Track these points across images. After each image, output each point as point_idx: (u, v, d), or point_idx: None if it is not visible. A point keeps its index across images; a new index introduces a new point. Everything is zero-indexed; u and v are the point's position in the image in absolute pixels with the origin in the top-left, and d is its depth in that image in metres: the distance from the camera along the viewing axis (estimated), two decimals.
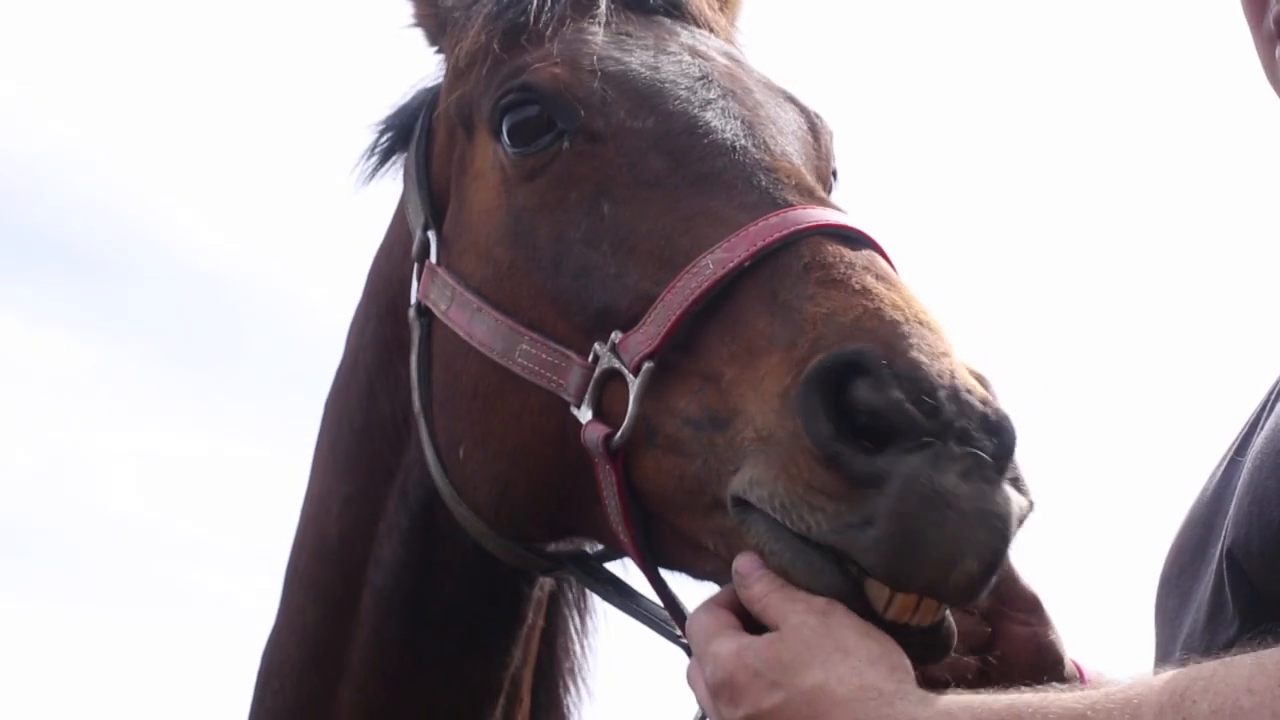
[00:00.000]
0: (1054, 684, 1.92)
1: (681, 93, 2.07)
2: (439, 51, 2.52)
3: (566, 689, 2.63)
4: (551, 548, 2.21)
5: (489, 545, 2.21)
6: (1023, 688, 1.60)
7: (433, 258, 2.26)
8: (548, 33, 2.19)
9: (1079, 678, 2.13)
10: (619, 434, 1.81)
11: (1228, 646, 1.78)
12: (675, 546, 1.86)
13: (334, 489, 2.46)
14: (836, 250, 1.77)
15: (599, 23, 2.19)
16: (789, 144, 2.05)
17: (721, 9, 2.50)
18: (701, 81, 2.10)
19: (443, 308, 2.18)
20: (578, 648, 2.64)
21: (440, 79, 2.49)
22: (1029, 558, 2.03)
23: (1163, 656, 2.00)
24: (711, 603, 1.72)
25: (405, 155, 2.53)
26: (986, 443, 1.55)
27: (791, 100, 2.23)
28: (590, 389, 1.87)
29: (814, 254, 1.76)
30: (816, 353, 1.62)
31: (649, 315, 1.82)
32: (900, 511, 1.52)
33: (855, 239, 1.81)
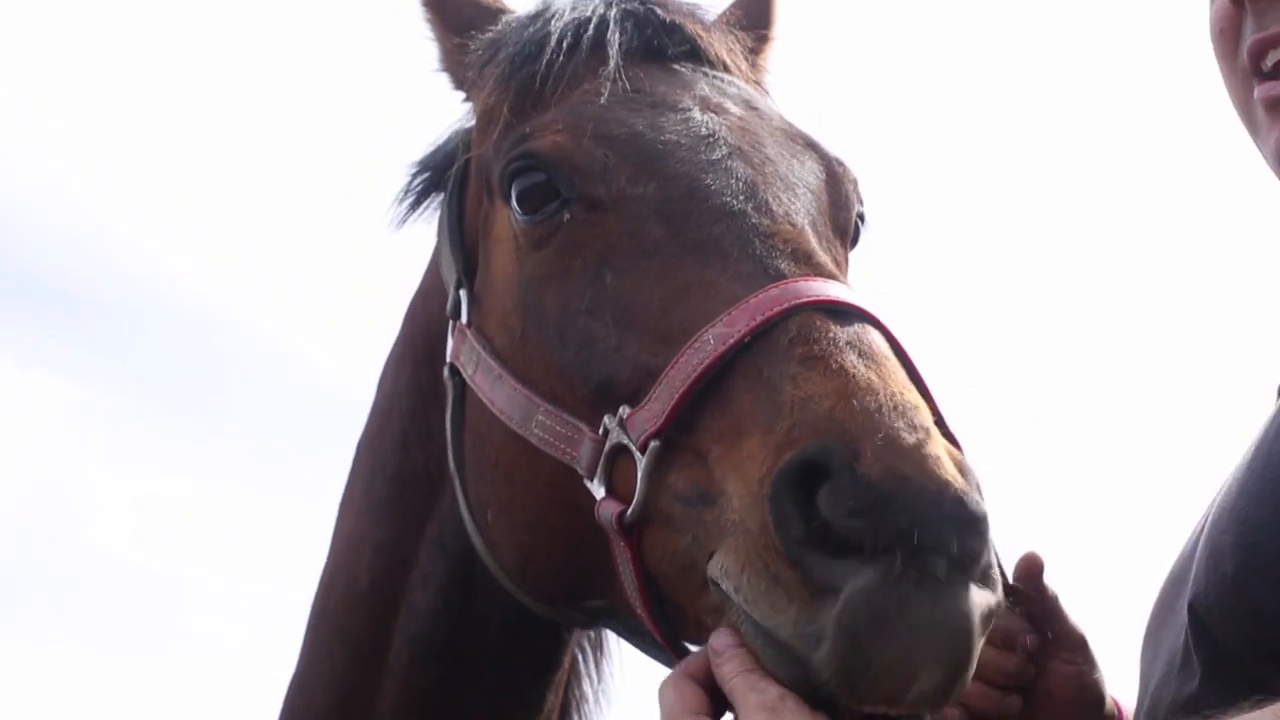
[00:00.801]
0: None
1: (684, 154, 2.03)
2: (466, 99, 2.51)
3: None
4: (586, 604, 2.18)
5: (524, 601, 2.21)
6: None
7: (463, 317, 2.26)
8: (556, 95, 2.17)
9: (1117, 711, 2.15)
10: (630, 511, 1.80)
11: (1191, 700, 1.81)
12: (684, 623, 1.85)
13: (366, 535, 2.46)
14: (824, 326, 1.74)
15: (608, 80, 2.16)
16: (795, 203, 2.02)
17: (746, 50, 2.44)
18: (706, 140, 2.06)
19: (469, 372, 2.18)
20: (590, 692, 2.63)
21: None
22: (1074, 597, 2.12)
23: (1138, 708, 2.02)
24: (682, 674, 1.74)
25: (440, 198, 2.53)
26: (953, 543, 1.52)
27: (811, 147, 2.19)
28: (601, 463, 1.87)
29: (800, 330, 1.74)
30: (790, 444, 1.61)
31: (653, 392, 1.80)
32: (849, 626, 1.51)
33: (847, 313, 1.78)
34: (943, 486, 1.54)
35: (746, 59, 2.44)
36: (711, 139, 2.07)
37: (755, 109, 2.22)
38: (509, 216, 2.15)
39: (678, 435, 1.78)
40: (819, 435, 1.59)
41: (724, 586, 1.65)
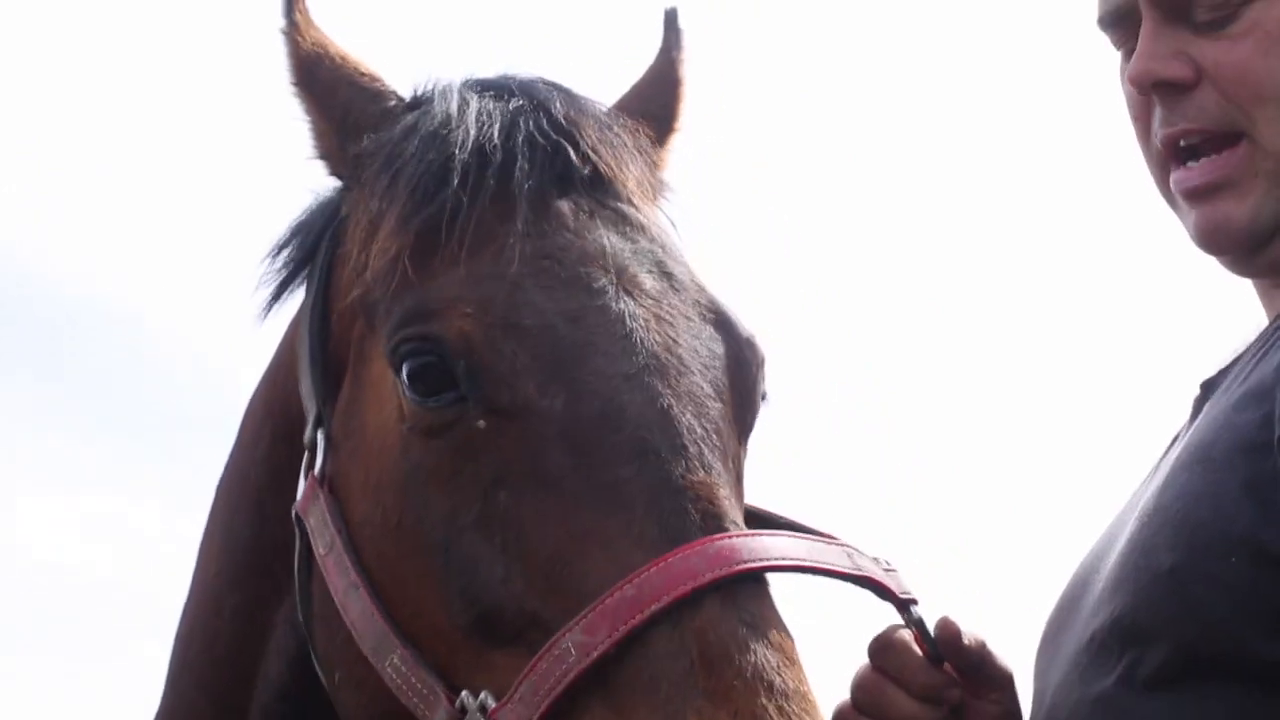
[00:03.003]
0: None
1: (598, 363, 1.89)
2: (347, 188, 2.28)
3: None
4: None
5: None
6: None
7: (316, 467, 2.09)
8: (461, 248, 1.97)
9: None
10: None
11: (1102, 699, 1.82)
12: None
13: (223, 596, 2.36)
14: (723, 638, 1.66)
15: (518, 240, 1.97)
16: (708, 437, 1.90)
17: (651, 166, 2.31)
18: (623, 343, 1.91)
19: (321, 552, 2.03)
20: None
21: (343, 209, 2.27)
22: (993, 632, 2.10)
23: (1036, 712, 2.03)
24: None
25: (305, 282, 2.34)
26: None
27: (722, 326, 2.06)
28: None
29: (700, 645, 1.66)
30: None
31: (516, 690, 1.74)
32: None
33: (743, 588, 1.73)
34: None
35: (653, 181, 2.29)
36: (627, 340, 1.92)
37: (668, 275, 2.08)
38: (395, 383, 1.97)
39: None
40: None
41: None
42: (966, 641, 2.02)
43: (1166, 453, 2.07)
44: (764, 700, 1.61)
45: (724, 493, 1.85)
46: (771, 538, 1.80)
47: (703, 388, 1.95)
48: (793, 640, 1.72)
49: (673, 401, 1.89)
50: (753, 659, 1.64)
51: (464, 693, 1.81)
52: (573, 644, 1.71)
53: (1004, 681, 2.10)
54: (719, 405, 1.97)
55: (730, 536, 1.77)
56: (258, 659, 2.29)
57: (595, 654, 1.69)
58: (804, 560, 1.77)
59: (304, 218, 2.40)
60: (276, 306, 2.41)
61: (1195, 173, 2.01)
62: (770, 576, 1.80)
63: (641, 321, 1.95)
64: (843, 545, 1.87)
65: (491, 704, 1.77)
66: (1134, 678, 1.79)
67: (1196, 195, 2.01)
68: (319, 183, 2.39)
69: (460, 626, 1.83)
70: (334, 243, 2.28)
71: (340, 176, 2.31)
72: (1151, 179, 2.13)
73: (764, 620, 1.71)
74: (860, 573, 1.82)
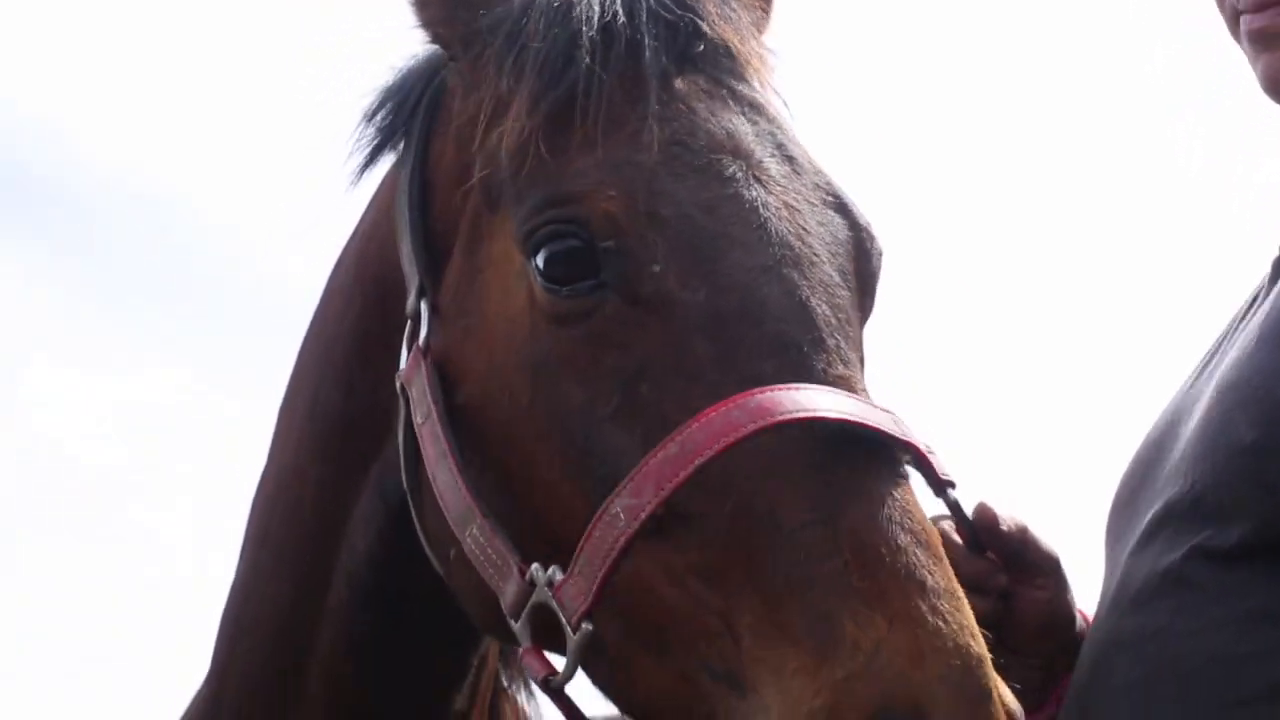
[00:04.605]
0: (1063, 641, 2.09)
1: (736, 256, 1.86)
2: (453, 59, 2.21)
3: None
4: None
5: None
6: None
7: (420, 338, 2.07)
8: (595, 129, 1.93)
9: (1087, 628, 2.18)
10: (559, 679, 1.82)
11: (1170, 571, 1.86)
12: None
13: (307, 468, 2.35)
14: (878, 536, 1.66)
15: (651, 122, 1.94)
16: (841, 328, 1.89)
17: (760, 41, 2.24)
18: (758, 235, 1.89)
19: (418, 420, 2.03)
20: None
21: (445, 72, 2.22)
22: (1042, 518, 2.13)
23: (1109, 568, 2.06)
24: None
25: (404, 142, 2.28)
26: None
27: (843, 211, 2.04)
28: (526, 614, 1.84)
29: (854, 543, 1.65)
30: (854, 699, 1.56)
31: (575, 562, 1.77)
32: None
33: (891, 472, 1.75)
34: None
35: (768, 59, 2.23)
36: (763, 231, 1.90)
37: (790, 159, 2.05)
38: (526, 267, 1.94)
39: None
40: (888, 700, 1.55)
41: None
42: (1005, 527, 2.06)
43: (1245, 316, 2.08)
44: (917, 598, 1.62)
45: (861, 386, 1.86)
46: (821, 392, 1.77)
47: (833, 277, 1.94)
48: (938, 537, 1.73)
49: (809, 293, 1.87)
50: (904, 558, 1.65)
51: (534, 565, 1.83)
52: (621, 509, 1.73)
53: (1049, 566, 2.12)
54: (847, 294, 1.96)
55: (775, 389, 1.75)
56: (342, 529, 2.29)
57: (644, 515, 1.71)
58: (851, 415, 1.75)
59: (396, 85, 2.34)
60: (368, 172, 2.37)
61: (1262, 17, 2.08)
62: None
63: (774, 210, 1.93)
64: (889, 411, 1.85)
65: (559, 578, 1.79)
66: (1208, 552, 1.80)
67: (1261, 39, 2.08)
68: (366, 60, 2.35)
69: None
70: (432, 113, 2.23)
71: (446, 46, 2.23)
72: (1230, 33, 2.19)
73: (911, 515, 1.71)
74: (907, 438, 1.80)
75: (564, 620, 1.77)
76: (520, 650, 1.86)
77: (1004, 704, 1.61)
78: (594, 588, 1.74)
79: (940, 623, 1.60)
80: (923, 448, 1.84)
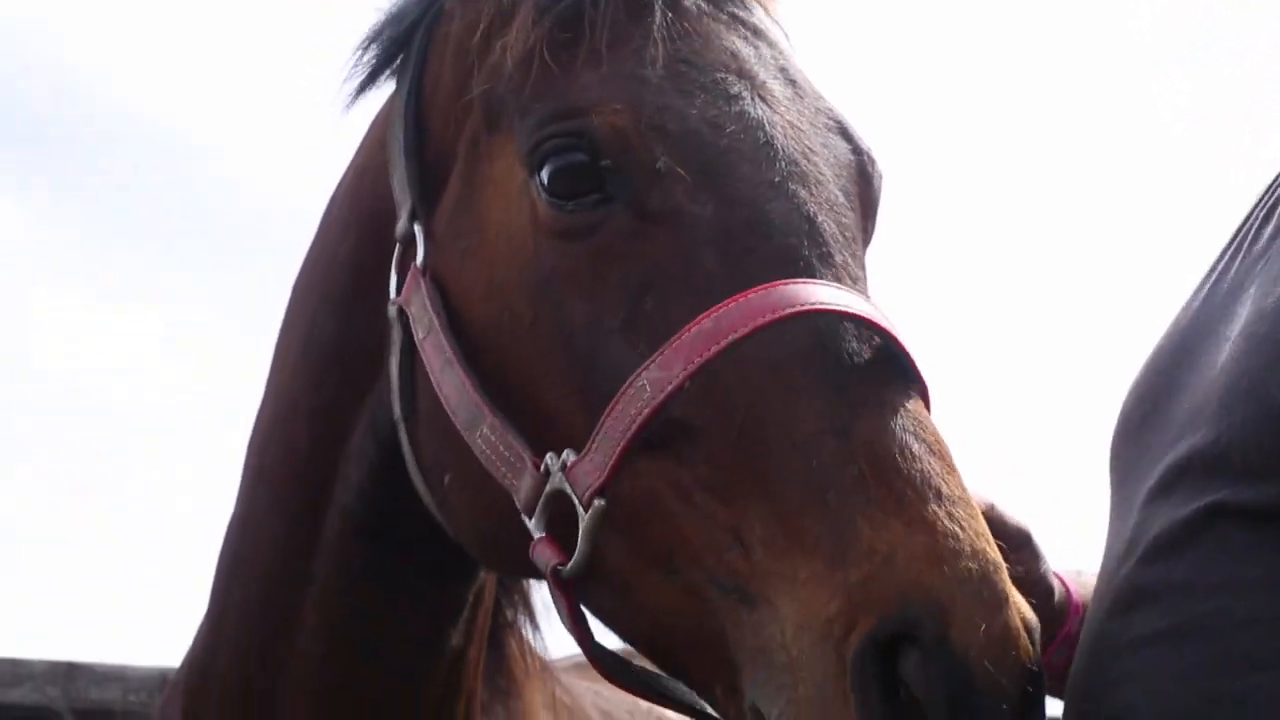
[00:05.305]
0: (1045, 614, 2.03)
1: (744, 170, 1.85)
2: None
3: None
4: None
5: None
6: None
7: (418, 258, 2.06)
8: (601, 42, 1.92)
9: (1066, 596, 2.19)
10: (569, 566, 1.78)
11: (1194, 522, 1.80)
12: (679, 676, 1.83)
13: (301, 398, 2.34)
14: (893, 445, 1.64)
15: (656, 39, 1.92)
16: (845, 243, 1.88)
17: None
18: (764, 150, 1.88)
19: (420, 335, 2.02)
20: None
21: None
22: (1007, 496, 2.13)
23: (1121, 508, 2.01)
24: None
25: (399, 69, 2.27)
26: (1007, 711, 1.54)
27: (845, 135, 2.04)
28: (541, 504, 1.81)
29: (869, 452, 1.63)
30: (869, 602, 1.54)
31: (593, 440, 1.74)
32: None
33: (912, 375, 1.73)
34: (1018, 653, 1.55)
35: None
36: (769, 148, 1.89)
37: (793, 82, 2.04)
38: (528, 183, 1.93)
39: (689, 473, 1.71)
40: (906, 602, 1.54)
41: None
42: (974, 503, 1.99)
43: (1262, 235, 1.99)
44: (933, 504, 1.61)
45: (865, 284, 1.87)
46: (849, 294, 1.77)
47: (838, 196, 1.93)
48: (950, 446, 1.72)
49: (816, 210, 1.87)
50: (919, 466, 1.64)
51: (549, 454, 1.81)
52: (648, 381, 1.71)
53: (1021, 540, 2.10)
54: (852, 214, 1.95)
55: (804, 282, 1.76)
56: (336, 461, 2.28)
57: (671, 387, 1.69)
58: (875, 319, 1.74)
59: (395, 7, 2.31)
60: (363, 97, 2.34)
61: None
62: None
63: (780, 129, 1.93)
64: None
65: (572, 459, 1.77)
66: (1235, 509, 1.75)
67: None
68: None
69: (558, 417, 1.83)
70: (429, 33, 2.21)
71: None
72: None
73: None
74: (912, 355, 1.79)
75: (576, 501, 1.75)
76: (532, 544, 1.82)
77: (1020, 612, 1.59)
78: (611, 462, 1.71)
79: (958, 528, 1.59)
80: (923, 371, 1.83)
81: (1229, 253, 2.05)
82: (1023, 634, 1.56)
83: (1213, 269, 2.07)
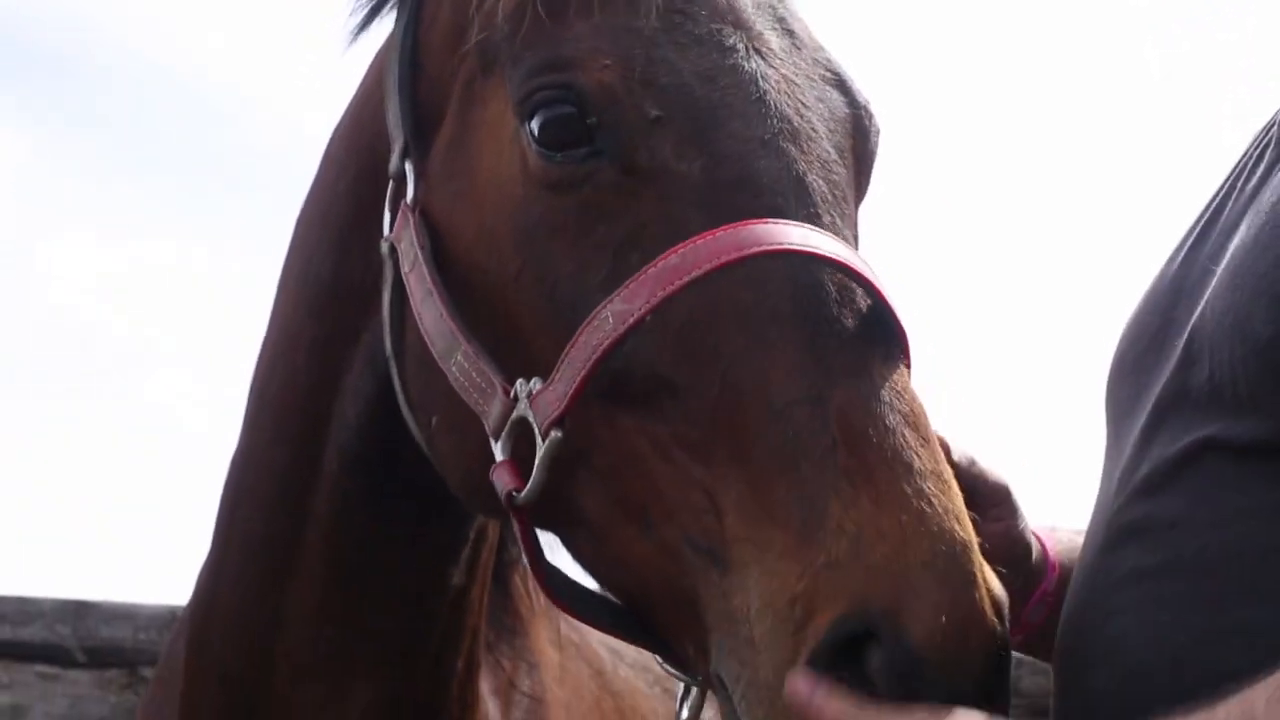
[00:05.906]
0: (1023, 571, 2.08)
1: (734, 127, 1.83)
2: None
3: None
4: None
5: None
6: None
7: (408, 195, 2.06)
8: None
9: (1043, 554, 2.21)
10: (523, 494, 1.80)
11: (1190, 458, 1.82)
12: (652, 625, 1.83)
13: (303, 329, 2.36)
14: (867, 417, 1.62)
15: None
16: (837, 204, 1.86)
17: None
18: (757, 107, 1.86)
19: (405, 269, 2.03)
20: None
21: None
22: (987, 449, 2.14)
23: (1115, 447, 2.02)
24: None
25: (399, 3, 2.25)
26: (971, 693, 1.54)
27: (842, 87, 2.02)
28: (506, 430, 1.83)
29: (843, 422, 1.62)
30: (832, 591, 1.54)
31: (557, 369, 1.76)
32: None
33: (887, 357, 1.70)
34: (987, 660, 1.55)
35: None
36: (761, 103, 1.87)
37: (790, 33, 2.02)
38: (519, 131, 1.92)
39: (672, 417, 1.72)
40: (866, 595, 1.54)
41: (732, 695, 1.63)
42: (955, 459, 1.99)
43: (1254, 174, 1.97)
44: (905, 483, 1.60)
45: (850, 234, 1.86)
46: (826, 238, 1.76)
47: (830, 153, 1.91)
48: (928, 418, 1.71)
49: (806, 168, 1.85)
50: (892, 439, 1.62)
51: (519, 381, 1.83)
52: (611, 313, 1.72)
53: (1001, 496, 2.11)
54: (844, 171, 1.94)
55: (781, 223, 1.75)
56: (335, 395, 2.29)
57: (632, 320, 1.70)
58: (851, 263, 1.73)
59: None
60: (363, 35, 2.33)
61: None
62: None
63: (773, 83, 1.91)
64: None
65: (539, 387, 1.79)
66: (1225, 444, 1.75)
67: None
68: None
69: (532, 350, 1.84)
70: None
71: None
72: None
73: (901, 394, 1.68)
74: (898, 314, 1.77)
75: (536, 429, 1.77)
76: (493, 466, 1.84)
77: (989, 589, 1.59)
78: (571, 391, 1.72)
79: (925, 506, 1.58)
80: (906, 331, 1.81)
81: (1220, 195, 2.04)
82: (989, 613, 1.56)
83: (1205, 210, 2.06)
